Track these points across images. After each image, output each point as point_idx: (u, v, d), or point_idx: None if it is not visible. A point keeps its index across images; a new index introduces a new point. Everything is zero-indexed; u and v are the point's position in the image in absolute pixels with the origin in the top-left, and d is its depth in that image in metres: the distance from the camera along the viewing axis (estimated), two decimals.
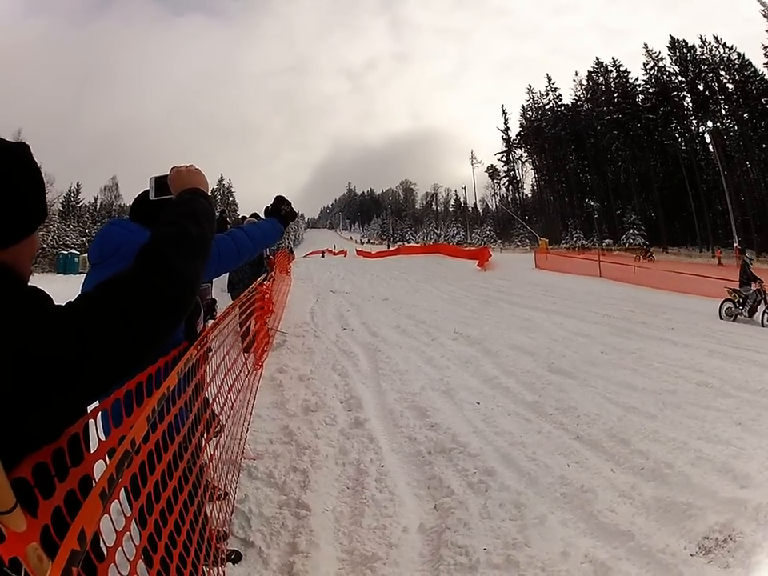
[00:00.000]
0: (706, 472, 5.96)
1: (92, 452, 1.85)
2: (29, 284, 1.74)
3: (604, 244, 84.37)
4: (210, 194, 2.51)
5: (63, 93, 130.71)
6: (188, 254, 1.94)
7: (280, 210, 4.04)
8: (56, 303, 1.64)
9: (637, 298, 21.69)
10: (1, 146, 1.73)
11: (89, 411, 1.81)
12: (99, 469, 1.83)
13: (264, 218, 4.15)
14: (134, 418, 2.21)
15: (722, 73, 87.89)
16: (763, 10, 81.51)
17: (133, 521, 2.26)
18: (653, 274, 26.91)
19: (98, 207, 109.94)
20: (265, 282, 12.39)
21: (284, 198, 4.08)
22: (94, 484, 1.77)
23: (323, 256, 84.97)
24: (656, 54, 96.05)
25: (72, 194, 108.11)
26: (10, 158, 1.73)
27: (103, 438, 1.98)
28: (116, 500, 1.92)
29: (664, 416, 7.78)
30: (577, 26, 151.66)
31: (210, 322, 5.97)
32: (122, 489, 2.15)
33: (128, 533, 2.08)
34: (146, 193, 2.98)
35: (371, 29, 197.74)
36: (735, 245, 58.61)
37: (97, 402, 1.84)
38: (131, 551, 2.19)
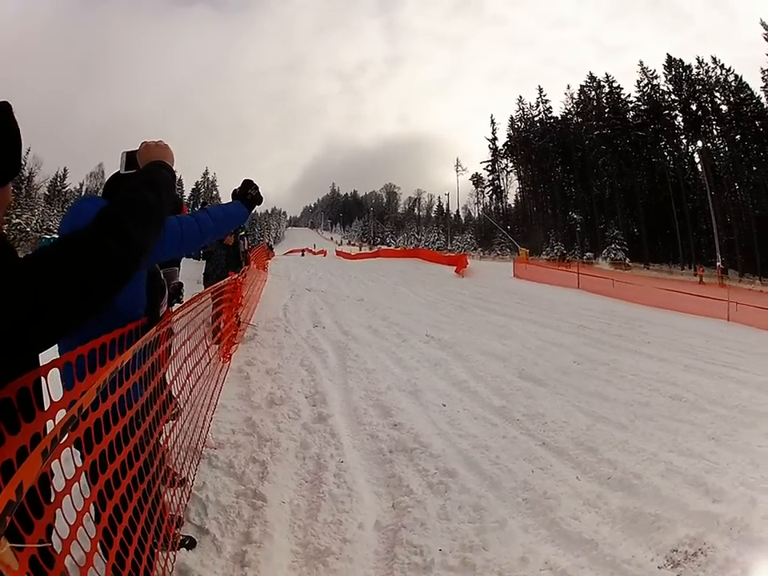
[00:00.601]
0: (677, 485, 5.89)
1: (45, 410, 1.97)
2: None
3: (585, 257, 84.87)
4: (173, 167, 2.65)
5: (60, 80, 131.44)
6: (142, 220, 2.03)
7: (246, 193, 4.03)
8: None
9: (614, 310, 21.67)
10: None
11: (40, 367, 1.93)
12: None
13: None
14: (85, 385, 2.26)
15: (717, 93, 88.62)
16: (766, 34, 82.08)
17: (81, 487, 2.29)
18: (632, 289, 26.84)
19: (83, 193, 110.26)
20: (238, 277, 12.62)
21: (251, 181, 4.08)
22: None
23: (303, 255, 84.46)
24: (651, 72, 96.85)
25: (59, 179, 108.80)
26: None
27: (55, 399, 2.07)
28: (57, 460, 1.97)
29: (635, 427, 7.72)
30: (573, 39, 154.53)
31: (176, 306, 5.94)
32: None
33: (68, 496, 2.12)
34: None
35: (366, 31, 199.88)
36: (718, 264, 59.13)
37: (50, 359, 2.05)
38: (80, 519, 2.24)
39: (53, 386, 2.04)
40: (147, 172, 2.48)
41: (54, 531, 1.99)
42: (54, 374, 2.07)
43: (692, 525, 5.01)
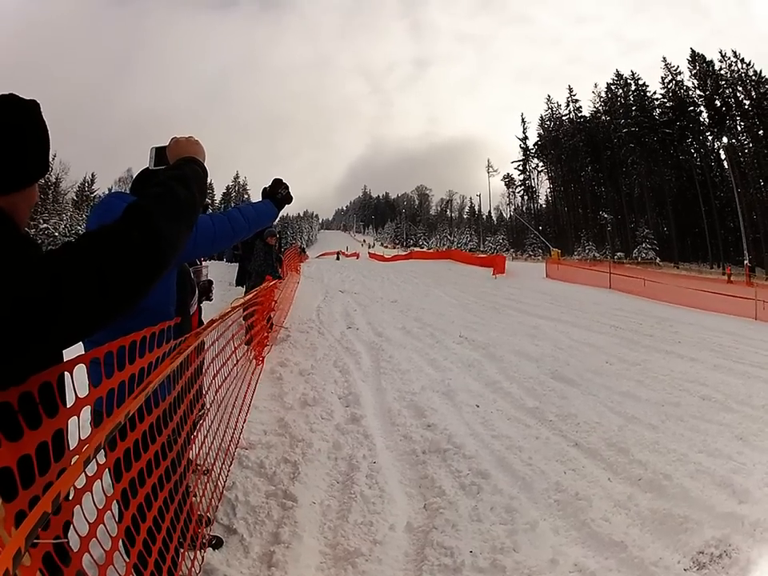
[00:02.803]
0: (705, 485, 5.84)
1: (68, 407, 1.92)
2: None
3: (616, 257, 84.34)
4: (204, 163, 2.60)
5: (85, 81, 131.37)
6: (172, 215, 1.97)
7: (276, 192, 4.01)
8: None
9: (645, 310, 21.47)
10: (12, 101, 1.89)
11: (65, 362, 1.90)
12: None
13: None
14: (113, 382, 2.30)
15: (739, 89, 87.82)
16: None
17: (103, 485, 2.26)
18: (662, 288, 26.65)
19: None
20: (275, 282, 12.89)
21: (281, 180, 4.06)
22: (66, 442, 1.91)
23: (338, 258, 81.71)
24: (674, 68, 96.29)
25: (87, 184, 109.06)
26: (18, 113, 1.88)
27: (81, 395, 2.02)
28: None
29: (665, 428, 7.66)
30: (596, 36, 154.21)
31: (205, 304, 5.98)
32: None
33: (89, 492, 2.06)
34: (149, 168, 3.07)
35: (392, 32, 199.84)
36: (745, 263, 58.43)
37: (77, 354, 2.00)
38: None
39: (78, 383, 2.01)
40: (177, 167, 2.42)
41: (71, 528, 1.98)
42: (80, 371, 2.02)
43: (718, 526, 4.96)
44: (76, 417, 1.95)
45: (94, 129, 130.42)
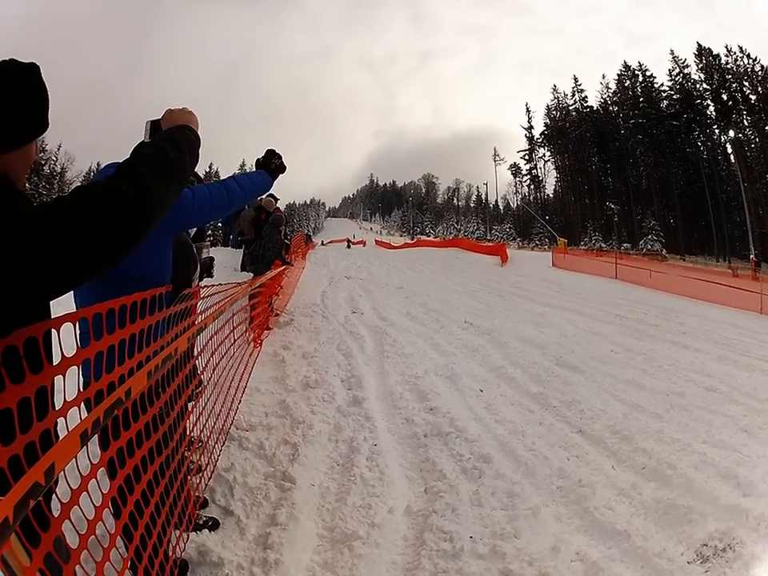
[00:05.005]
0: (709, 476, 5.76)
1: (54, 365, 1.91)
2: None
3: (622, 248, 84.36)
4: (198, 131, 2.67)
5: (90, 71, 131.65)
6: (161, 172, 2.03)
7: (270, 162, 4.03)
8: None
9: (651, 301, 21.37)
10: (10, 64, 1.95)
11: (52, 319, 1.93)
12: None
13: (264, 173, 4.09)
14: (102, 345, 2.29)
15: (746, 83, 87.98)
16: None
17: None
18: (668, 279, 26.52)
19: None
20: (285, 267, 13.22)
21: (275, 151, 4.08)
22: (50, 401, 1.92)
23: (349, 246, 79.41)
24: (682, 61, 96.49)
25: (92, 174, 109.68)
26: (16, 76, 1.94)
27: (68, 355, 2.00)
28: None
29: (670, 417, 7.60)
30: (600, 28, 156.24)
31: (206, 280, 5.95)
32: None
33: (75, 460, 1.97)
34: None
35: (395, 23, 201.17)
36: (751, 257, 58.32)
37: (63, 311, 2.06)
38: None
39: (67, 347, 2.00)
40: (169, 132, 2.50)
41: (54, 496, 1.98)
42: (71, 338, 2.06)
43: (722, 519, 4.88)
44: (61, 376, 1.97)
45: (100, 120, 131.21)
